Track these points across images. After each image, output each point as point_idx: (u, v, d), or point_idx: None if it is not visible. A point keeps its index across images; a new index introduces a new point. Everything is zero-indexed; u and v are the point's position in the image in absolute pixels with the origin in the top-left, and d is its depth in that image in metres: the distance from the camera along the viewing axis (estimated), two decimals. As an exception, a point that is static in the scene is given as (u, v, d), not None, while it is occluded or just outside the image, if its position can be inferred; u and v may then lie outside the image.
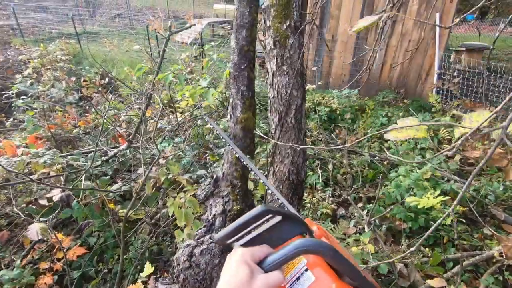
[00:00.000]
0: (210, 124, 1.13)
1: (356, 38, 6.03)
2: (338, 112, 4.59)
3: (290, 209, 0.76)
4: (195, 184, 1.67)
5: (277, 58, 1.44)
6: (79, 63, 6.71)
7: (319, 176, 3.20)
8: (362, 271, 0.58)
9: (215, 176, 1.42)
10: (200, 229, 1.21)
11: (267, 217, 0.58)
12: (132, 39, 9.15)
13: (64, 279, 1.93)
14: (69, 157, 2.07)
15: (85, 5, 14.61)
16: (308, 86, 4.81)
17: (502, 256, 2.30)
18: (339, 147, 0.84)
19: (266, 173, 1.65)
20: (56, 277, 1.85)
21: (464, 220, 2.78)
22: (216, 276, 1.04)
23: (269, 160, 1.59)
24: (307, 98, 4.83)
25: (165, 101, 3.38)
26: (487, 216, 2.93)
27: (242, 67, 1.45)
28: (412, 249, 0.77)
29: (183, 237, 1.35)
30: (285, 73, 1.44)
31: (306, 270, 0.58)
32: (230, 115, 1.48)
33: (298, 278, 0.58)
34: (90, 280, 1.98)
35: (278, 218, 0.59)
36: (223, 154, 2.68)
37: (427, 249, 2.54)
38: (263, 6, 1.47)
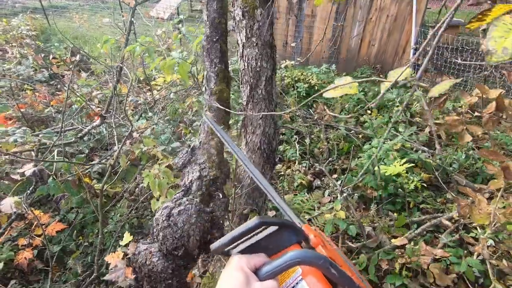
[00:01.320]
0: (214, 128, 1.15)
1: (335, 13, 6.00)
2: (316, 88, 4.65)
3: (286, 210, 0.77)
4: (171, 157, 1.71)
5: (246, 29, 1.46)
6: (47, 40, 6.33)
7: (296, 150, 3.30)
8: (359, 281, 0.60)
9: (192, 145, 1.47)
10: (178, 193, 1.27)
11: (262, 228, 0.60)
12: (104, 14, 8.66)
13: (44, 254, 1.96)
14: (41, 135, 2.03)
15: (51, -23, 13.51)
16: (287, 63, 4.81)
17: (458, 216, 2.53)
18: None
19: (238, 144, 1.70)
20: (36, 251, 1.88)
21: (428, 187, 2.99)
22: (193, 234, 1.11)
23: (241, 131, 1.65)
24: (286, 75, 4.86)
25: (141, 78, 3.31)
26: (450, 182, 3.16)
27: (214, 39, 1.46)
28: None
29: (158, 206, 1.40)
30: (255, 44, 1.46)
31: (301, 279, 0.59)
32: (205, 88, 1.51)
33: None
34: (71, 254, 2.02)
35: (275, 227, 0.62)
36: (199, 126, 2.71)
37: (395, 213, 2.74)
38: (231, -24, 1.46)
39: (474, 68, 5.28)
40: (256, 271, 0.57)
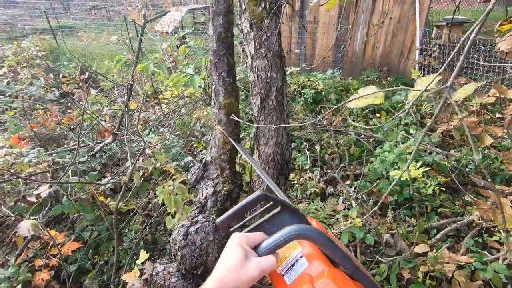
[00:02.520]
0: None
1: (337, 18, 6.01)
2: (323, 94, 4.62)
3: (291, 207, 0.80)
4: (184, 172, 1.70)
5: (254, 41, 1.45)
6: (56, 59, 6.49)
7: (307, 157, 3.26)
8: (356, 262, 0.60)
9: (204, 161, 1.47)
10: (193, 210, 1.25)
11: (267, 205, 0.62)
12: (110, 31, 8.86)
13: (61, 274, 1.96)
14: (54, 154, 2.05)
15: (58, -2, 13.96)
16: (293, 69, 4.81)
17: (480, 220, 2.44)
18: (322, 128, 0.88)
19: (251, 156, 1.68)
20: (52, 272, 1.88)
21: (446, 190, 2.91)
22: (211, 252, 1.09)
23: (253, 142, 1.63)
24: (292, 81, 4.85)
25: (149, 92, 3.34)
26: (468, 184, 3.07)
27: (221, 53, 1.46)
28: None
29: (174, 223, 1.38)
30: (264, 55, 1.46)
31: (301, 257, 0.61)
32: (214, 102, 1.51)
33: (293, 265, 0.61)
34: (87, 273, 2.01)
35: (278, 208, 0.63)
36: (209, 140, 2.71)
37: (412, 219, 2.66)
38: (237, -11, 1.47)
39: (483, 67, 5.19)
40: (255, 248, 0.59)
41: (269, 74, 1.47)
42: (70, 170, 1.73)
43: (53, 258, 1.90)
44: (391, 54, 6.08)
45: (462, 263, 2.04)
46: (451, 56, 0.58)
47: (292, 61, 6.45)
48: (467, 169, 3.18)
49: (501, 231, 2.32)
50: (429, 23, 7.67)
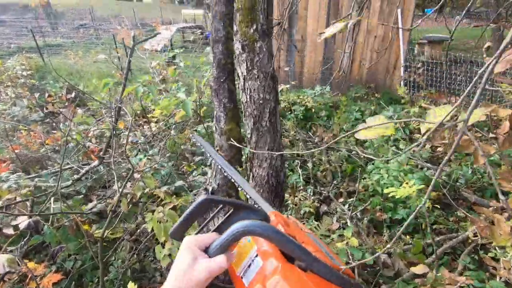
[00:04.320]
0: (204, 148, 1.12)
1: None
2: (313, 110, 4.66)
3: (255, 197, 0.78)
4: (174, 196, 1.63)
5: (246, 62, 1.44)
6: (42, 78, 6.37)
7: (299, 175, 3.23)
8: (327, 260, 0.58)
9: (210, 189, 1.46)
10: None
11: (218, 208, 0.61)
12: (99, 49, 8.83)
13: (40, 309, 1.81)
14: (36, 179, 1.94)
15: (46, 17, 13.92)
16: (282, 87, 4.86)
17: (476, 236, 2.42)
18: (318, 148, 0.85)
19: (245, 178, 1.63)
20: (30, 308, 1.73)
21: (438, 206, 2.91)
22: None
23: (248, 165, 1.58)
24: (282, 99, 4.88)
25: (138, 112, 3.28)
26: (459, 199, 3.08)
27: (222, 80, 1.48)
28: (394, 239, 0.78)
29: (164, 253, 1.30)
30: (256, 76, 1.44)
31: (256, 256, 0.58)
32: (215, 128, 1.51)
33: (249, 266, 0.58)
34: (69, 307, 1.87)
35: (230, 209, 0.62)
36: (198, 161, 2.65)
37: (407, 236, 2.63)
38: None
39: (465, 83, 5.37)
40: (206, 249, 0.57)
41: (261, 95, 1.45)
42: (52, 198, 1.63)
43: (31, 292, 1.76)
44: (377, 71, 6.24)
45: (462, 284, 2.00)
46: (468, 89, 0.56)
47: (282, 78, 6.53)
48: (457, 183, 3.20)
49: (497, 247, 2.31)
50: (412, 41, 7.98)
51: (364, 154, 3.56)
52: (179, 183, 1.82)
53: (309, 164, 3.37)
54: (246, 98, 1.49)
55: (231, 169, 0.92)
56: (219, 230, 0.62)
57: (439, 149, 3.93)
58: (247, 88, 1.48)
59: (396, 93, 5.52)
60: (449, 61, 6.29)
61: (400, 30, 5.81)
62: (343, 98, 5.23)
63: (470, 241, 2.47)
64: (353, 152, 3.74)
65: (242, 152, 1.48)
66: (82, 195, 2.46)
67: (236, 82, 1.54)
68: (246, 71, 1.45)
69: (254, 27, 1.41)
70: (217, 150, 1.39)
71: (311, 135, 4.18)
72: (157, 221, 1.31)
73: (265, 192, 1.53)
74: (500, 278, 2.14)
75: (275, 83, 1.50)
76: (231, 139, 1.34)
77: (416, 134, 4.23)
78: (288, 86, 4.94)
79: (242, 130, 1.63)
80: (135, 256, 1.97)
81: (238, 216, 0.63)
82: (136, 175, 1.62)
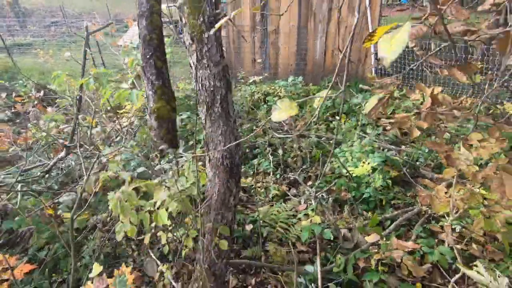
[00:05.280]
0: None
1: (297, 28, 6.29)
2: (286, 100, 4.79)
3: None
4: (139, 180, 1.71)
5: (196, 53, 1.53)
6: (12, 78, 6.21)
7: (270, 162, 3.37)
8: None
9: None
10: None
11: None
12: (72, 47, 8.62)
13: (14, 298, 1.87)
14: (2, 176, 1.98)
15: (14, 16, 13.36)
16: (255, 78, 4.96)
17: (429, 208, 2.65)
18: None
19: (203, 161, 1.74)
20: (4, 297, 1.79)
21: (399, 183, 3.12)
22: None
23: (205, 148, 1.69)
24: (256, 90, 4.99)
25: (109, 108, 3.31)
26: (419, 177, 3.31)
27: (148, 56, 1.39)
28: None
29: (124, 229, 1.39)
30: (206, 66, 1.54)
31: None
32: (146, 108, 1.45)
33: None
34: (44, 295, 1.94)
35: None
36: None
37: (369, 213, 2.83)
38: (177, 5, 1.55)
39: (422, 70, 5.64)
40: None
41: (212, 83, 1.55)
42: (19, 186, 1.69)
43: (4, 283, 1.82)
44: (350, 60, 6.42)
45: (411, 249, 2.20)
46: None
47: (256, 70, 6.62)
48: (417, 163, 3.43)
49: (445, 216, 2.53)
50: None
51: (331, 137, 3.73)
52: (140, 169, 1.91)
53: (280, 151, 3.52)
54: (199, 86, 1.59)
55: None
56: None
57: (404, 131, 4.17)
58: (199, 77, 1.58)
59: (368, 81, 5.74)
60: (420, 49, 6.55)
61: (369, 20, 6.01)
62: (314, 87, 5.39)
63: (423, 213, 2.69)
64: (323, 139, 3.91)
65: (175, 133, 1.42)
66: (53, 191, 2.51)
67: (190, 73, 1.59)
68: (196, 61, 1.55)
69: (202, 19, 1.50)
70: (149, 130, 1.39)
71: (283, 124, 4.32)
72: (117, 200, 1.40)
73: (221, 173, 1.64)
74: (448, 244, 2.37)
75: (225, 71, 1.61)
76: (161, 117, 1.34)
77: (383, 118, 4.45)
78: (261, 77, 5.04)
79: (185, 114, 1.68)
80: (107, 242, 2.06)
81: None
82: (104, 160, 1.69)
